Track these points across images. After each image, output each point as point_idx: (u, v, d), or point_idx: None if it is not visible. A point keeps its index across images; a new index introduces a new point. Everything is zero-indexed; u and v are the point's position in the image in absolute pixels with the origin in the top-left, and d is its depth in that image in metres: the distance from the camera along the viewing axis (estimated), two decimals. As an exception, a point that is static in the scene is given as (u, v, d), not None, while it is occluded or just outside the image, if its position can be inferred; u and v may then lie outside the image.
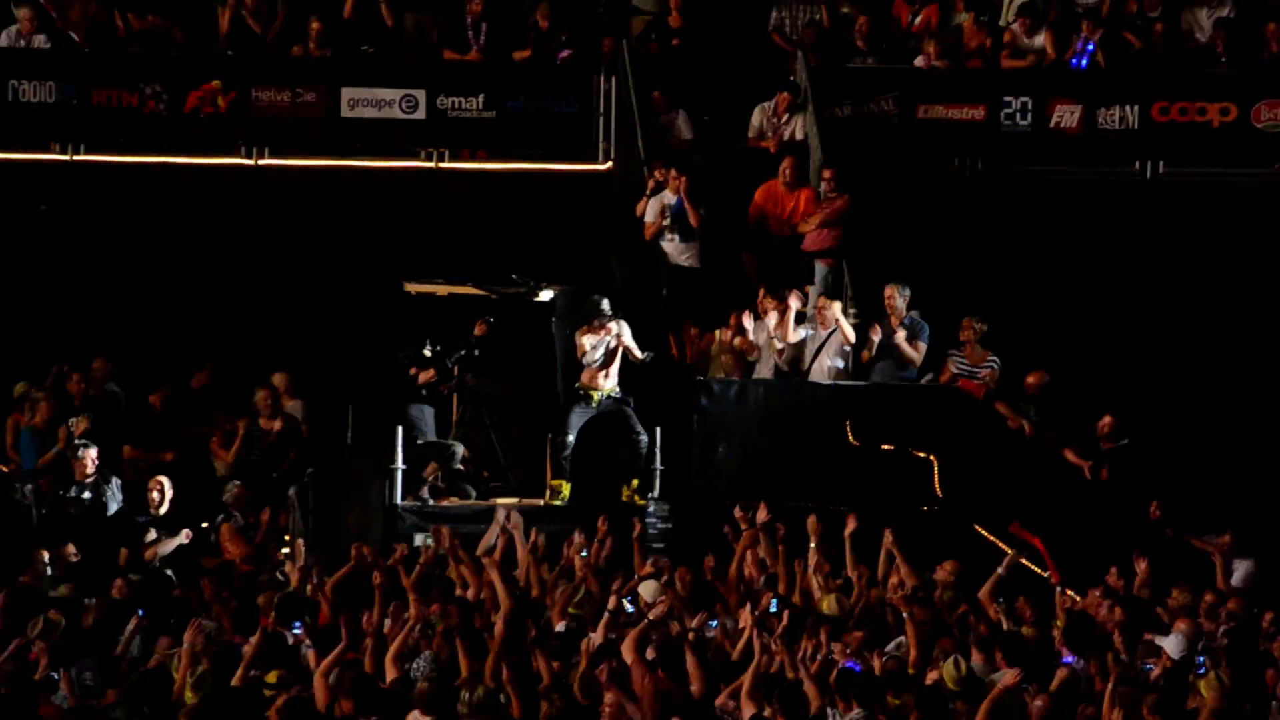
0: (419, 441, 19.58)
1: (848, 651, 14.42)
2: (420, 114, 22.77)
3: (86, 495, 19.38)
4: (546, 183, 22.64)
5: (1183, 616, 15.31)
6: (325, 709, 13.61)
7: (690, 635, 14.29)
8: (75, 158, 22.70)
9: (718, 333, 20.54)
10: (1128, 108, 22.55)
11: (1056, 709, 13.35)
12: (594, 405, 19.37)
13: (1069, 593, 16.10)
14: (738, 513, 17.13)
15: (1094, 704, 13.55)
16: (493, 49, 23.32)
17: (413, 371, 19.84)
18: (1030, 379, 20.04)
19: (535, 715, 13.32)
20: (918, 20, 23.52)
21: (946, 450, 19.22)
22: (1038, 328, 21.26)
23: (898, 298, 20.26)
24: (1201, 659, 14.39)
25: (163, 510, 19.25)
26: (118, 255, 22.45)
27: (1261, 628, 15.18)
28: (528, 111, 22.78)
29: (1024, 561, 16.74)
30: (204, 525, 19.46)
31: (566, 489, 19.46)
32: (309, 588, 16.60)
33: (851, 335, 20.07)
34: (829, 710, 13.38)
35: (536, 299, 20.76)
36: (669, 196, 21.51)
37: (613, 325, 19.31)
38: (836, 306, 20.14)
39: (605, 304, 19.37)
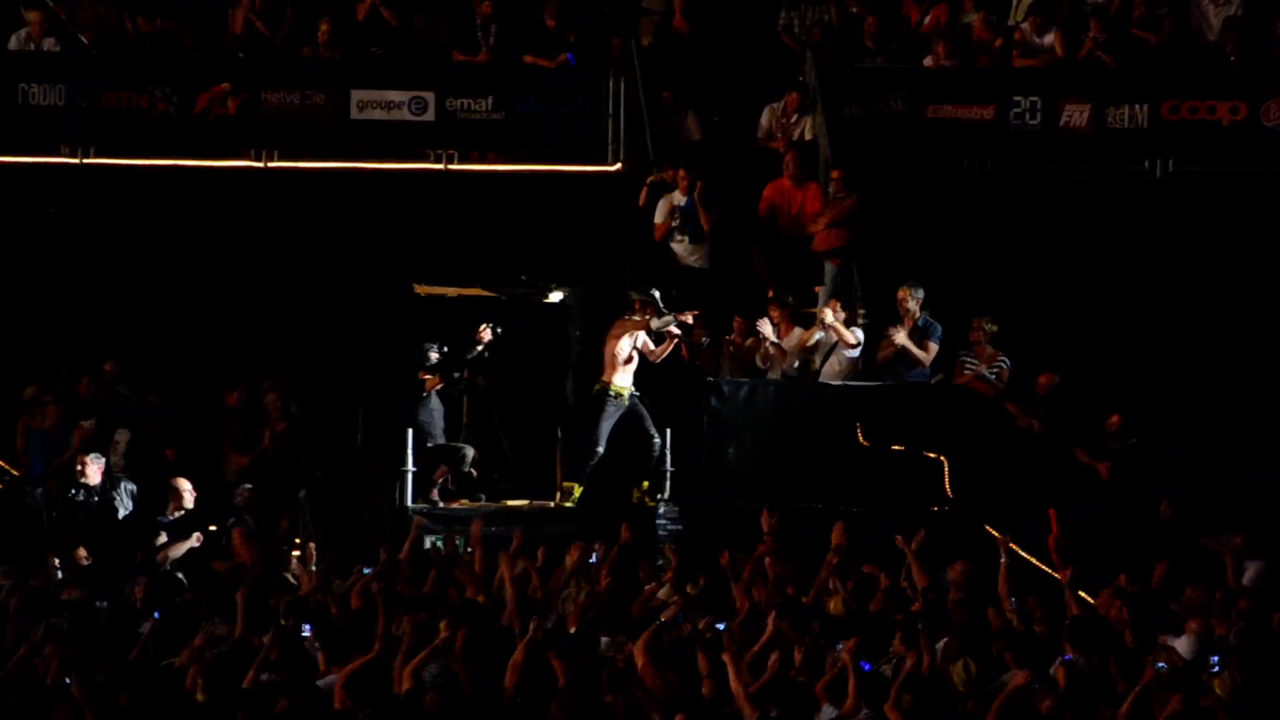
0: (429, 445, 19.59)
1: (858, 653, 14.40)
2: (430, 116, 22.76)
3: (95, 499, 19.41)
4: (556, 184, 22.63)
5: (1193, 616, 15.29)
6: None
7: (707, 635, 14.28)
8: (85, 160, 22.71)
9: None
10: (1137, 107, 22.52)
11: (1064, 708, 13.32)
12: (624, 404, 19.34)
13: (1080, 593, 16.07)
14: (764, 520, 17.11)
15: (1105, 704, 13.53)
16: (502, 50, 23.32)
17: (421, 375, 19.86)
18: (1041, 380, 20.02)
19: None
20: (927, 20, 23.50)
21: (957, 450, 19.20)
22: (1048, 327, 21.25)
23: (910, 300, 20.23)
24: (1215, 658, 14.37)
25: (181, 513, 19.22)
26: (127, 258, 22.46)
27: (1272, 627, 15.16)
28: (537, 113, 22.77)
29: (1034, 560, 16.72)
30: (213, 529, 19.47)
31: (578, 491, 19.48)
32: (320, 591, 16.65)
33: (850, 337, 20.04)
34: (824, 706, 13.37)
35: (546, 300, 20.77)
36: (678, 197, 21.52)
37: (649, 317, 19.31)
38: (828, 314, 20.06)
39: (656, 292, 19.38)
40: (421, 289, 20.84)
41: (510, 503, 19.85)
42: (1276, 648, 14.67)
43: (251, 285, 22.31)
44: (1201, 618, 15.20)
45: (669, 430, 19.51)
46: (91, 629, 15.91)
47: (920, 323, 20.22)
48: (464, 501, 19.68)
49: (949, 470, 19.13)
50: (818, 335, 20.24)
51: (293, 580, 17.65)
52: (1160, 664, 13.64)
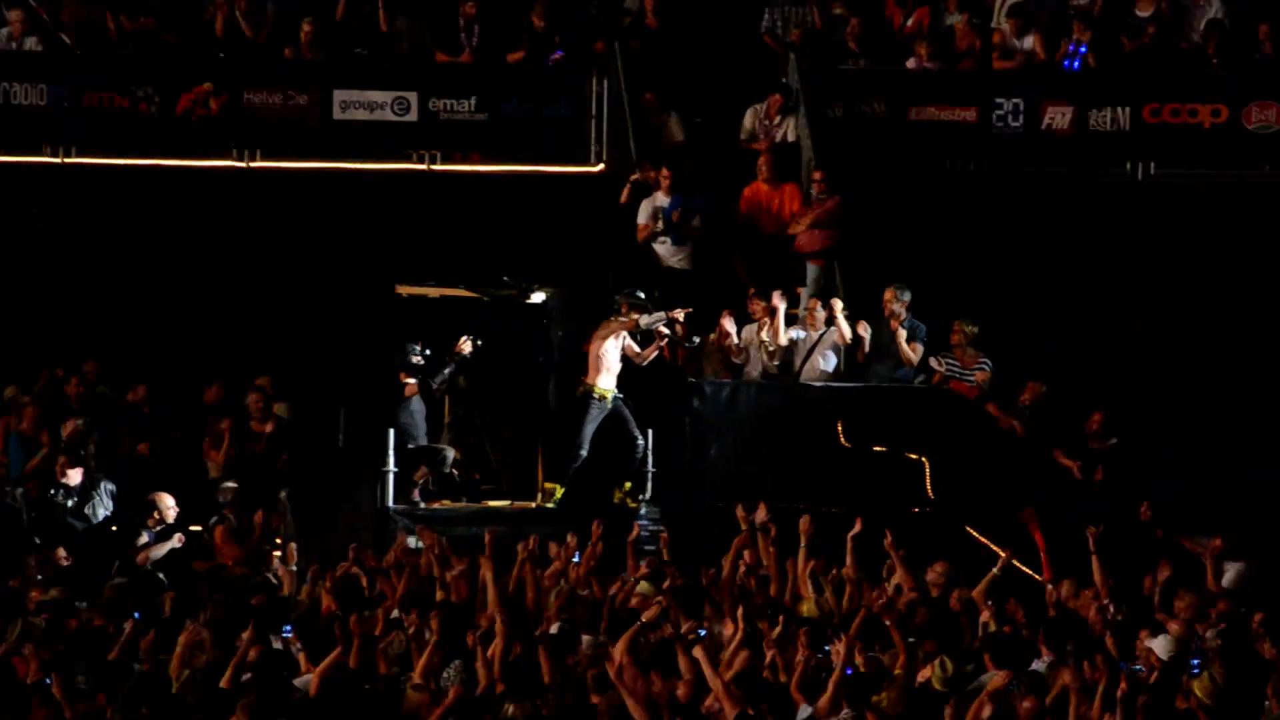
0: (410, 446, 19.58)
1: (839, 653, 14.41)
2: (412, 116, 22.75)
3: (73, 500, 19.38)
4: (538, 185, 22.63)
5: (1172, 618, 15.31)
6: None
7: (690, 637, 14.28)
8: (67, 160, 22.68)
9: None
10: (1119, 109, 22.56)
11: (1043, 710, 13.34)
12: (608, 406, 19.34)
13: (1060, 594, 16.09)
14: (739, 513, 17.09)
15: (1083, 704, 13.54)
16: (485, 51, 23.32)
17: (403, 377, 19.85)
18: (1026, 393, 19.97)
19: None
20: (909, 22, 23.52)
21: (938, 452, 19.22)
22: (1029, 329, 21.27)
23: (896, 301, 20.25)
24: (1195, 661, 14.39)
25: (161, 527, 19.17)
26: (109, 258, 22.43)
27: (1252, 629, 15.18)
28: (520, 114, 22.77)
29: (1016, 563, 16.74)
30: (195, 528, 19.44)
31: (559, 492, 19.48)
32: (304, 590, 16.63)
33: (849, 334, 20.07)
34: (801, 706, 13.38)
35: (528, 301, 20.77)
36: (661, 199, 21.52)
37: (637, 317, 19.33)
38: (837, 305, 20.10)
39: (641, 294, 19.39)
40: (404, 289, 20.84)
41: (492, 503, 19.85)
42: (1256, 649, 14.69)
43: (233, 286, 22.28)
44: (1179, 619, 15.22)
45: (650, 431, 19.51)
46: (71, 629, 15.89)
47: (907, 324, 20.24)
48: (445, 502, 19.67)
49: (930, 471, 19.15)
50: (794, 335, 20.25)
51: (274, 580, 17.63)
52: (1138, 666, 13.67)
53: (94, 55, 23.18)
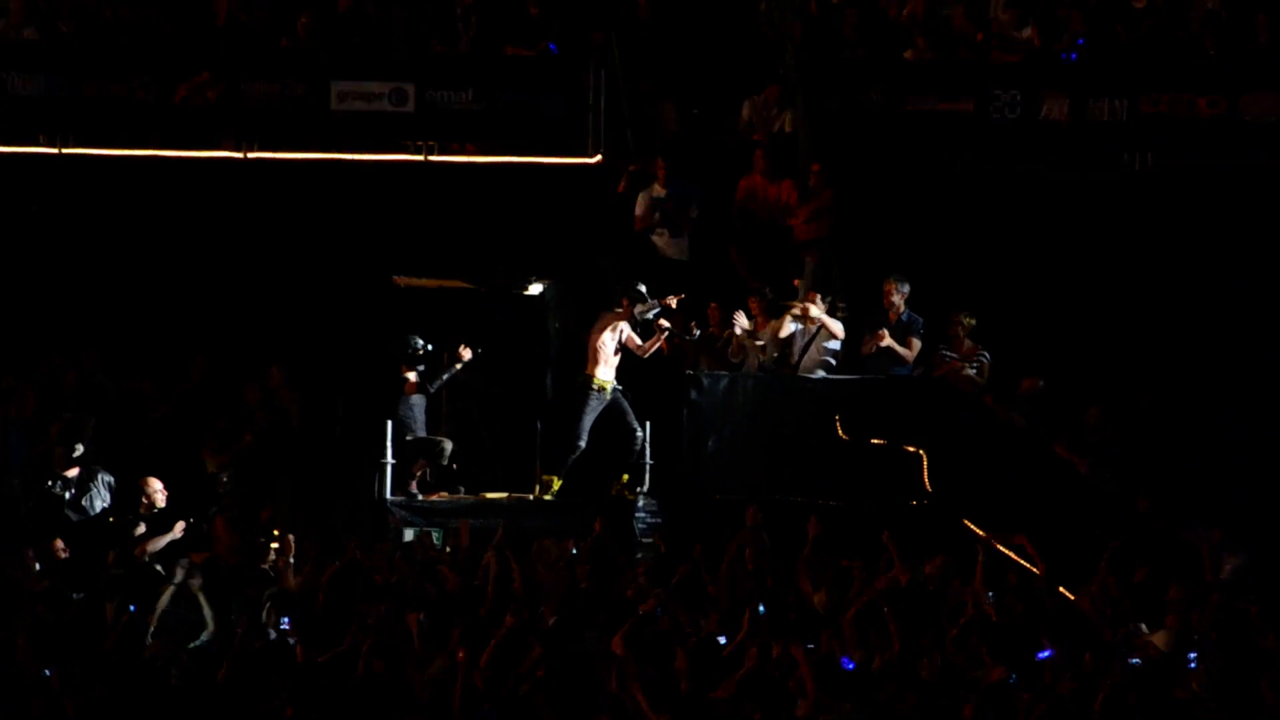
0: (408, 438, 19.58)
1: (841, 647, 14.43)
2: (409, 107, 22.72)
3: (71, 493, 19.37)
4: (535, 176, 22.61)
5: (1170, 611, 15.32)
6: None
7: (687, 630, 14.29)
8: (64, 150, 22.66)
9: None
10: (1117, 100, 22.54)
11: (1039, 703, 13.35)
12: (606, 397, 19.34)
13: (1060, 589, 16.10)
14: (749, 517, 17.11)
15: (1081, 697, 13.55)
16: (483, 42, 23.29)
17: (404, 370, 19.83)
18: (1024, 385, 19.98)
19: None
20: (906, 12, 23.49)
21: (936, 444, 19.21)
22: (1027, 320, 21.25)
23: (895, 293, 20.23)
24: (1193, 654, 14.41)
25: (155, 511, 19.18)
26: (106, 248, 22.41)
27: (1249, 621, 15.19)
28: (517, 104, 22.74)
29: (1011, 555, 16.74)
30: (194, 519, 19.42)
31: (556, 484, 19.47)
32: (299, 582, 16.63)
33: (839, 330, 20.04)
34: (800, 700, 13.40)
35: (525, 292, 20.76)
36: (658, 190, 21.50)
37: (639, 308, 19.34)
38: (814, 308, 20.05)
39: (642, 287, 19.37)
40: (401, 280, 20.81)
41: (489, 495, 19.86)
42: (1253, 642, 14.71)
43: (230, 276, 22.26)
44: (1177, 613, 15.24)
45: (648, 423, 19.50)
46: (67, 620, 15.90)
47: (904, 317, 20.22)
48: (443, 494, 19.67)
49: (928, 464, 19.14)
50: (792, 327, 20.23)
51: (271, 572, 17.63)
52: (1136, 659, 13.69)
53: (91, 45, 23.13)
